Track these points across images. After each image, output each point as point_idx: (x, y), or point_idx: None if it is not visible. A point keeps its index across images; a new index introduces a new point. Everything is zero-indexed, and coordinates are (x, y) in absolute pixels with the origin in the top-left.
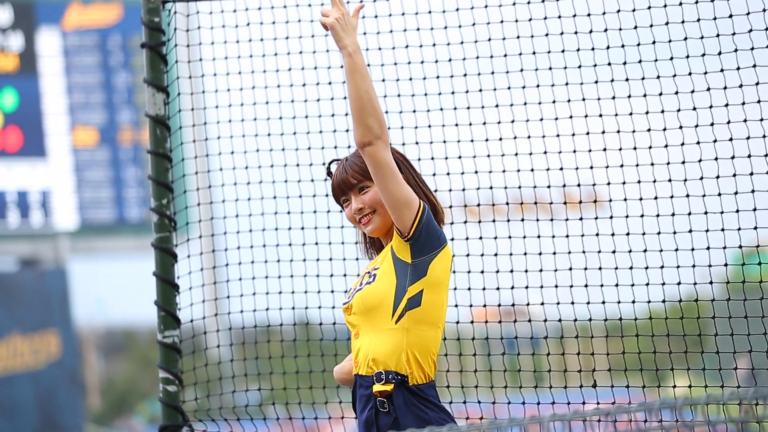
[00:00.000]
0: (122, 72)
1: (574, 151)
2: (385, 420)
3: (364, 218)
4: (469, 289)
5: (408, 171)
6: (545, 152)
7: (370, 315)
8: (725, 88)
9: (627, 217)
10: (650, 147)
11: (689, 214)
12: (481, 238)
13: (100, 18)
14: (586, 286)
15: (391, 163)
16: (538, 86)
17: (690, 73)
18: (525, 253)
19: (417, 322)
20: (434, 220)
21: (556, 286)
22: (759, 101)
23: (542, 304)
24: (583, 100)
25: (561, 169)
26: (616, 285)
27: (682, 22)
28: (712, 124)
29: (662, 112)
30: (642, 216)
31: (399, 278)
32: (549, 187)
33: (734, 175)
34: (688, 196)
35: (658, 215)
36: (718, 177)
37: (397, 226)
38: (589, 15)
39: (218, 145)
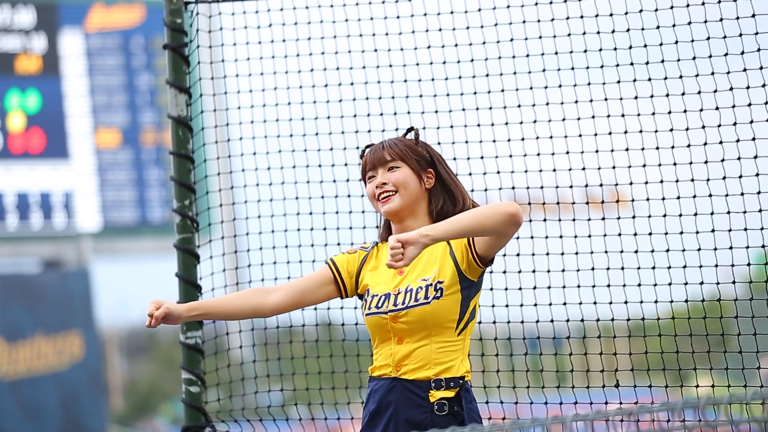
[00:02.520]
0: (145, 73)
1: (597, 151)
2: (441, 421)
3: (384, 195)
4: (492, 289)
5: (445, 169)
6: (567, 152)
7: (435, 328)
8: (748, 87)
9: (649, 216)
10: (672, 147)
11: (712, 213)
12: None
13: (122, 19)
14: (608, 286)
15: None
16: (560, 86)
17: (712, 73)
18: (547, 253)
19: (470, 331)
20: None
21: (578, 286)
22: None
23: (564, 304)
24: (606, 100)
25: (583, 169)
26: (639, 285)
27: (705, 21)
28: (734, 124)
29: (684, 111)
30: (664, 216)
31: (464, 295)
32: (571, 187)
33: (757, 175)
34: (710, 195)
35: (680, 215)
36: (740, 176)
37: (486, 253)
38: (611, 15)
39: (241, 146)
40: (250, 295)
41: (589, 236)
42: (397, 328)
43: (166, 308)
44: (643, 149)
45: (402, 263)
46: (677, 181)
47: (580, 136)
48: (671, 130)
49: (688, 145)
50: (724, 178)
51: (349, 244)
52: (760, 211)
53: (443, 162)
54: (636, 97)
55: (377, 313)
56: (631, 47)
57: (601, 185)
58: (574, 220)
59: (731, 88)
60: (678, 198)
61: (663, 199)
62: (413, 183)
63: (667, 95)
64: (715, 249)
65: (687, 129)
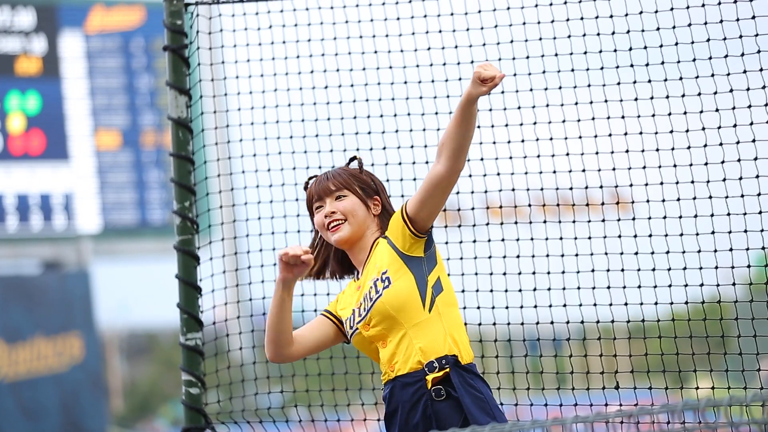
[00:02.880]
0: (145, 75)
1: (597, 153)
2: (443, 408)
3: (333, 224)
4: (492, 291)
5: (387, 200)
6: (567, 154)
7: (400, 315)
8: (748, 89)
9: (649, 218)
10: (673, 148)
11: (712, 215)
12: (503, 240)
13: (122, 21)
14: (608, 287)
15: None
16: (560, 88)
17: (713, 75)
18: (547, 255)
19: (445, 304)
20: None
21: (579, 288)
22: None
23: (564, 306)
24: (606, 101)
25: (583, 170)
26: (639, 287)
27: (705, 23)
28: (734, 126)
29: (685, 113)
30: (664, 217)
31: (415, 273)
32: (571, 188)
33: (757, 177)
34: (710, 197)
35: (680, 217)
36: (740, 178)
37: (420, 216)
38: (611, 17)
39: (240, 147)
40: (292, 336)
41: (589, 238)
42: (373, 334)
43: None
44: (643, 151)
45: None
46: (677, 182)
47: (580, 137)
48: (671, 131)
49: (688, 147)
50: (724, 179)
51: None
52: (760, 213)
53: (385, 193)
54: (636, 99)
55: (353, 332)
56: (631, 49)
57: (601, 187)
58: (574, 221)
59: (731, 90)
60: (678, 200)
61: (663, 200)
62: (361, 210)
63: (667, 97)
64: (715, 251)
65: (687, 131)
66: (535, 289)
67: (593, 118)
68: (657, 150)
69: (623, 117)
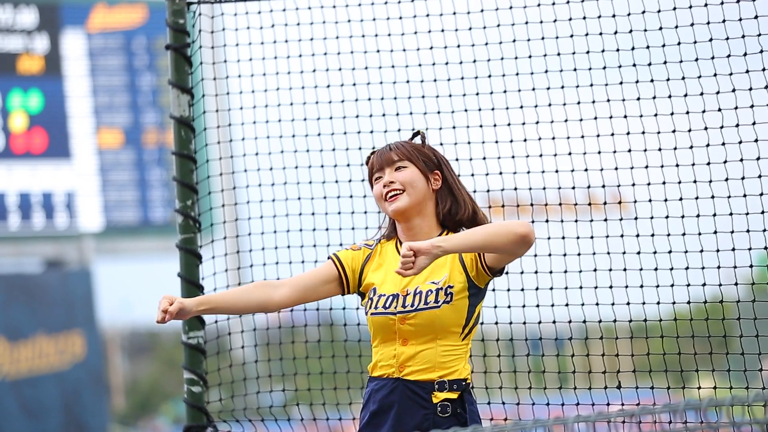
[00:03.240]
0: (147, 73)
1: (599, 152)
2: (442, 422)
3: (391, 193)
4: (494, 290)
5: (450, 173)
6: (570, 153)
7: (442, 331)
8: (750, 89)
9: (652, 218)
10: (675, 148)
11: (714, 215)
12: None
13: (124, 19)
14: (610, 287)
15: None
16: (562, 87)
17: (715, 74)
18: (549, 254)
19: (473, 335)
20: None
21: (581, 287)
22: None
23: (567, 305)
24: (608, 101)
25: (586, 170)
26: (641, 286)
27: (708, 23)
28: (737, 125)
29: (687, 113)
30: (667, 217)
31: (470, 300)
32: (573, 188)
33: (759, 177)
34: (713, 197)
35: (683, 216)
36: (743, 178)
37: (495, 265)
38: (614, 16)
39: (243, 146)
40: (255, 289)
41: (591, 237)
42: (404, 329)
43: (180, 303)
44: (645, 150)
45: (412, 272)
46: (680, 182)
47: (583, 137)
48: (674, 131)
49: (691, 147)
50: (726, 179)
51: (351, 244)
52: (763, 212)
53: (449, 166)
54: (638, 99)
55: (384, 313)
56: (633, 48)
57: (603, 186)
58: (576, 221)
59: (734, 90)
60: (680, 199)
61: (665, 200)
62: (420, 183)
63: (670, 96)
64: (718, 251)
65: (689, 130)
66: (537, 288)
67: (595, 118)
68: (659, 149)
69: (625, 116)
